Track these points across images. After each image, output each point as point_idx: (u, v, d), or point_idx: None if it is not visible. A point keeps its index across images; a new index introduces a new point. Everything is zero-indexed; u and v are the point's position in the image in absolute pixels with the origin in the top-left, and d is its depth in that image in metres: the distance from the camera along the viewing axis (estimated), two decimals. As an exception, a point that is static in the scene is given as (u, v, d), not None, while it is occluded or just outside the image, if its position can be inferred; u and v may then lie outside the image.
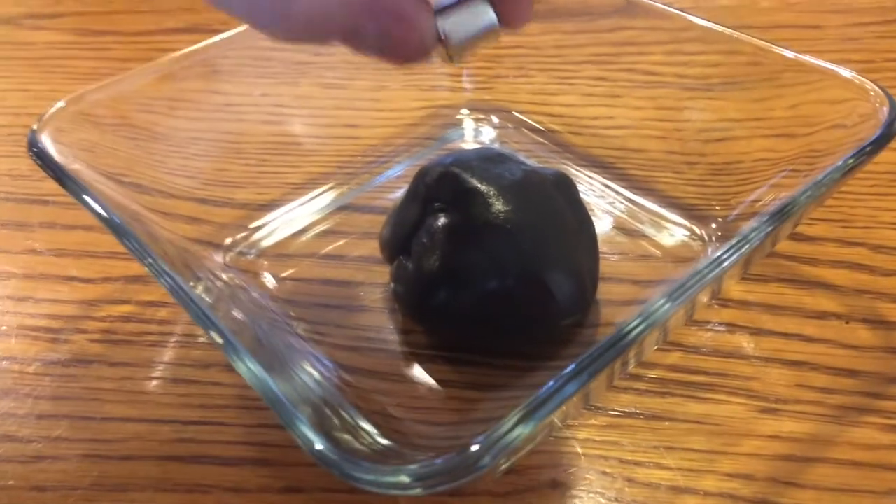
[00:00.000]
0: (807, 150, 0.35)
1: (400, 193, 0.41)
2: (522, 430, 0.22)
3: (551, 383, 0.23)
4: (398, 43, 0.23)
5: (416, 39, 0.24)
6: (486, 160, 0.33)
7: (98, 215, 0.29)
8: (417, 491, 0.22)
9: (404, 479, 0.21)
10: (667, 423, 0.31)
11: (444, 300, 0.31)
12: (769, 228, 0.28)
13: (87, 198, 0.30)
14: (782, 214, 0.28)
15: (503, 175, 0.32)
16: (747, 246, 0.27)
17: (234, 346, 0.25)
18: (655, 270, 0.36)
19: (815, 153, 0.34)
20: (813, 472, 0.29)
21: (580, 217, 0.33)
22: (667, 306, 0.25)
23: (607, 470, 0.29)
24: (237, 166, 0.42)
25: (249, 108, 0.44)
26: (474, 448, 0.22)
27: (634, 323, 0.24)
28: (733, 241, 0.27)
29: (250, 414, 0.32)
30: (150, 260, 0.28)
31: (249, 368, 0.24)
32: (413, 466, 0.22)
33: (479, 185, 0.31)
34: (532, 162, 0.35)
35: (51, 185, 0.43)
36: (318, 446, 0.22)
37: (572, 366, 0.23)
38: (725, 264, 0.26)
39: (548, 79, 0.46)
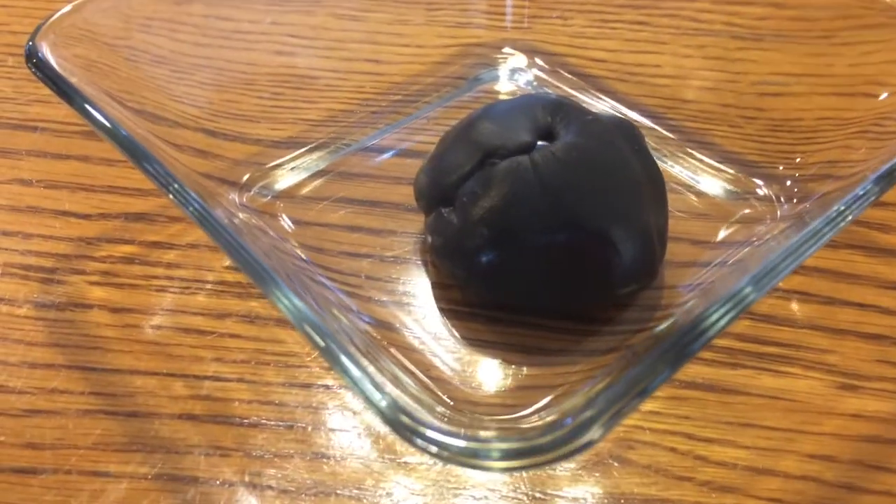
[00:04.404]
0: (876, 113, 0.32)
1: (430, 136, 0.37)
2: (616, 419, 0.19)
3: (635, 370, 0.20)
4: None
5: None
6: (547, 108, 0.30)
7: (114, 136, 0.25)
8: (500, 466, 0.19)
9: (493, 452, 0.18)
10: (739, 398, 0.28)
11: (492, 256, 0.28)
12: (873, 197, 0.25)
13: (98, 116, 0.26)
14: (891, 179, 0.25)
15: (567, 123, 0.29)
16: (850, 217, 0.24)
17: (275, 281, 0.22)
18: (715, 230, 0.33)
19: (886, 115, 0.32)
20: (902, 455, 0.27)
21: (648, 168, 0.29)
22: (754, 295, 0.22)
23: (676, 446, 0.27)
24: (249, 98, 0.38)
25: (260, 37, 0.40)
26: (572, 426, 0.19)
27: (721, 312, 0.21)
28: (831, 212, 0.24)
29: (273, 371, 0.29)
30: (175, 186, 0.24)
31: (295, 306, 0.21)
32: (503, 441, 0.19)
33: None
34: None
35: (39, 109, 0.39)
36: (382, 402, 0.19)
37: (655, 353, 0.20)
38: (826, 237, 0.24)
39: (587, 21, 0.42)
